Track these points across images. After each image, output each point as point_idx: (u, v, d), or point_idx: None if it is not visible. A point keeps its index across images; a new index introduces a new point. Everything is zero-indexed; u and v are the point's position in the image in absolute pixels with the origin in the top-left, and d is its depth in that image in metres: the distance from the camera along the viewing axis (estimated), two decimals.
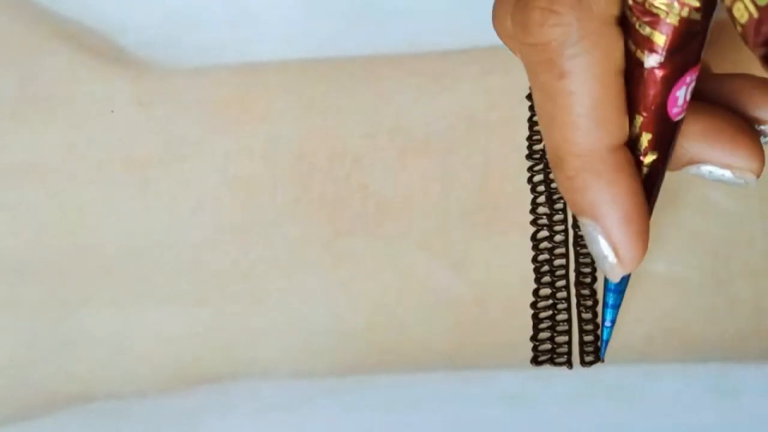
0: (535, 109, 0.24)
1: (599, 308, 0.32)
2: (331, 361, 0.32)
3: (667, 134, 0.24)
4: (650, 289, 0.32)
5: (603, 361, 0.31)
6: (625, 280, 0.28)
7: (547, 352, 0.32)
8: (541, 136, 0.33)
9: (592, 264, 0.32)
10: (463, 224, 0.33)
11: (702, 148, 0.25)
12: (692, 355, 0.31)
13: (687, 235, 0.32)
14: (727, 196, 0.32)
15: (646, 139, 0.24)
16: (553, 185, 0.33)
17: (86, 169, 0.34)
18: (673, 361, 0.31)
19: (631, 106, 0.23)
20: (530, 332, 0.32)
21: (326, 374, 0.32)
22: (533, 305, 0.32)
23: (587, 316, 0.32)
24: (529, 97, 0.34)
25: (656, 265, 0.32)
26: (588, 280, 0.32)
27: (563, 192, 0.24)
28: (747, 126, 0.26)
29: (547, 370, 0.32)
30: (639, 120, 0.23)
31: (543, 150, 0.33)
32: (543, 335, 0.32)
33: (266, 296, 0.33)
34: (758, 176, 0.26)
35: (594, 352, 0.32)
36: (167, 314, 0.33)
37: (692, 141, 0.25)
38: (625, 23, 0.23)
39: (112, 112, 0.35)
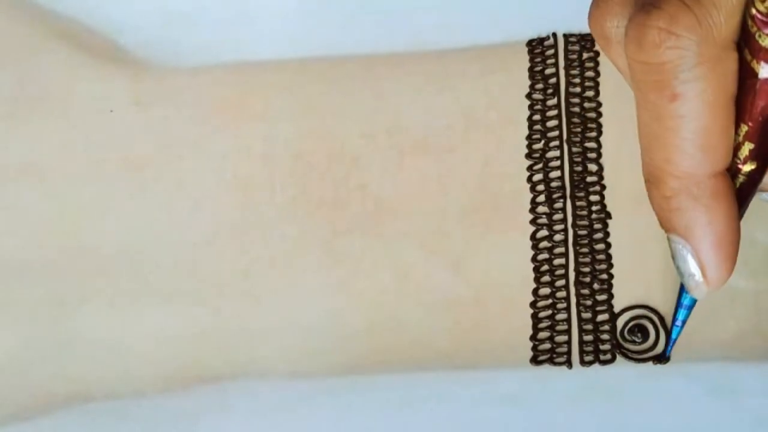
0: (638, 125, 0.24)
1: (599, 308, 0.32)
2: (329, 361, 0.32)
3: None
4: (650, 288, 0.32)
5: (668, 359, 0.31)
6: None
7: (547, 351, 0.32)
8: (540, 135, 0.33)
9: (591, 264, 0.32)
10: (462, 224, 0.33)
11: None
12: (692, 355, 0.31)
13: None
14: None
15: (747, 148, 0.23)
16: (553, 184, 0.33)
17: (84, 169, 0.34)
18: (673, 361, 0.31)
19: (737, 115, 0.23)
20: (530, 332, 0.32)
21: (325, 374, 0.32)
22: (533, 305, 0.32)
23: (587, 315, 0.32)
24: (529, 96, 0.34)
25: None
26: (588, 279, 0.32)
27: (656, 209, 0.24)
28: None
29: (547, 370, 0.31)
30: (743, 129, 0.23)
31: (542, 149, 0.33)
32: (542, 335, 0.32)
33: (265, 296, 0.33)
34: None
35: (594, 352, 0.31)
36: (166, 314, 0.33)
37: None
38: (743, 31, 0.22)
39: (111, 111, 0.35)
